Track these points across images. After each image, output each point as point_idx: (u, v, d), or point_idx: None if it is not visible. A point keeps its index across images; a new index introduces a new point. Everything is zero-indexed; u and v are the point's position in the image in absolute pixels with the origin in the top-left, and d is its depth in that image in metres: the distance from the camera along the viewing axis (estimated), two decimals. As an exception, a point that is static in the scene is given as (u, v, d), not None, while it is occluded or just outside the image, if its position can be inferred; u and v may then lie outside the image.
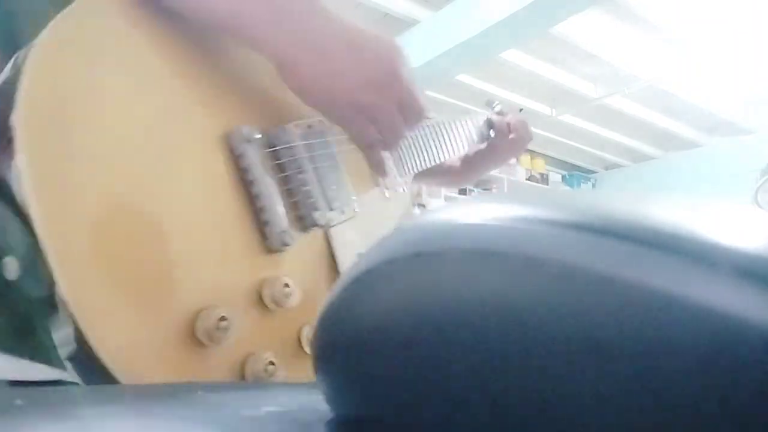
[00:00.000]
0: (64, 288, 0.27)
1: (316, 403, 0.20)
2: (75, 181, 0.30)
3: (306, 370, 0.37)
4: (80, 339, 0.28)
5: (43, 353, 0.30)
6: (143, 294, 0.31)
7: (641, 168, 5.18)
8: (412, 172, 0.57)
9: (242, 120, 0.39)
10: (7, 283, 0.29)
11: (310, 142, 0.43)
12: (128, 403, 0.19)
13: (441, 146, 0.63)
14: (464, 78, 3.72)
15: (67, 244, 0.28)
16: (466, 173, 0.79)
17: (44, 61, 0.30)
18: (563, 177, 5.28)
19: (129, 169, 0.32)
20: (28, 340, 0.30)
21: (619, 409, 0.11)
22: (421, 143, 0.59)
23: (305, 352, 0.38)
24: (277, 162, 0.40)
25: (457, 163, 0.79)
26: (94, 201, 0.30)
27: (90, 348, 0.28)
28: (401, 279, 0.15)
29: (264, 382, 0.35)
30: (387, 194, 0.52)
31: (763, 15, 3.03)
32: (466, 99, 4.07)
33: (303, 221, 0.41)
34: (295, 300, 0.37)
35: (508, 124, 0.77)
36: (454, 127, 0.67)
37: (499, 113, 0.80)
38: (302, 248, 0.41)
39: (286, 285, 0.37)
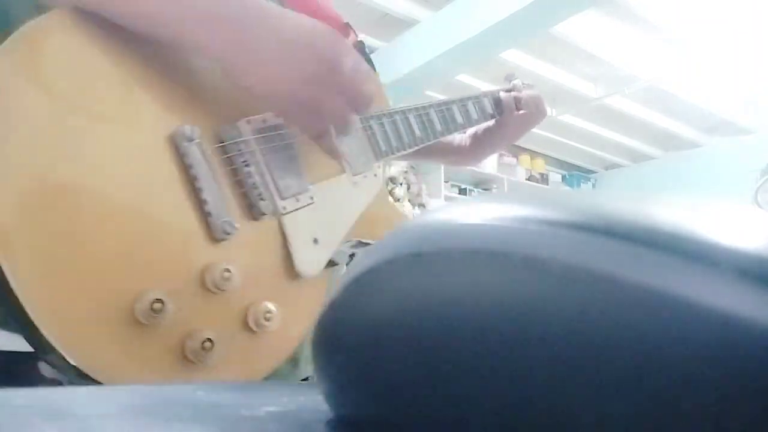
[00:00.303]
0: (6, 268, 0.32)
1: (316, 403, 0.20)
2: (17, 173, 0.33)
3: (252, 348, 0.42)
4: (21, 312, 0.32)
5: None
6: (87, 279, 0.35)
7: (641, 168, 5.18)
8: (389, 155, 0.57)
9: (192, 120, 0.42)
10: None
11: (265, 135, 0.46)
12: (128, 403, 0.19)
13: (426, 130, 0.63)
14: (464, 78, 3.72)
15: (17, 238, 0.32)
16: (475, 151, 0.78)
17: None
18: (563, 177, 5.28)
19: (79, 164, 0.36)
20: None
21: (619, 409, 0.11)
22: (405, 126, 0.60)
23: (251, 330, 0.42)
24: (225, 156, 0.43)
25: (467, 141, 0.79)
26: (38, 190, 0.34)
27: (29, 317, 0.32)
28: (401, 279, 0.15)
29: (206, 360, 0.38)
30: (354, 180, 0.53)
31: (763, 15, 3.03)
32: (466, 99, 4.07)
33: (251, 210, 0.44)
34: (235, 284, 0.41)
35: (517, 100, 0.76)
36: (450, 107, 0.68)
37: (511, 89, 0.78)
38: (252, 235, 0.44)
39: (227, 270, 0.40)
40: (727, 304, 0.10)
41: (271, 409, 0.19)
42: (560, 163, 5.31)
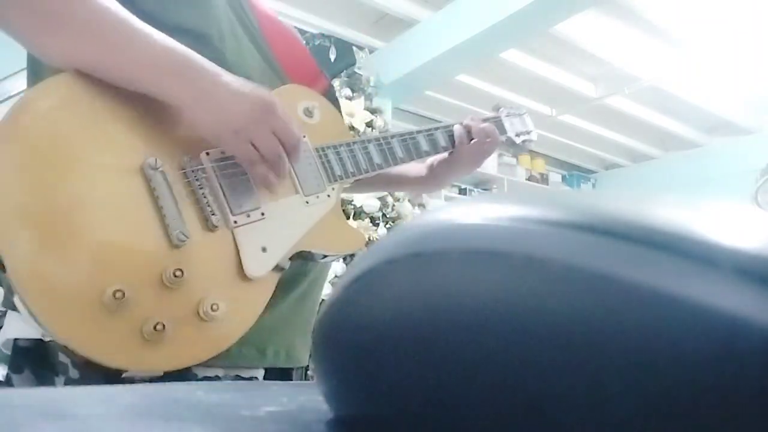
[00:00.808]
0: (7, 264, 0.44)
1: (316, 403, 0.20)
2: (22, 198, 0.47)
3: (201, 333, 0.53)
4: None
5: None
6: (69, 275, 0.46)
7: (641, 168, 5.18)
8: (344, 178, 0.68)
9: (159, 153, 0.54)
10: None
11: (221, 164, 0.58)
12: (128, 403, 0.19)
13: (386, 156, 0.74)
14: (464, 78, 3.72)
15: (12, 245, 0.45)
16: (430, 181, 0.87)
17: (14, 120, 0.48)
18: (563, 177, 5.28)
19: (68, 187, 0.48)
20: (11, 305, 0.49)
21: (619, 408, 0.11)
22: (362, 154, 0.71)
23: (202, 319, 0.52)
24: (185, 180, 0.55)
25: (423, 172, 0.87)
26: (37, 209, 0.47)
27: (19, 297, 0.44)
28: (401, 279, 0.15)
29: (159, 340, 0.49)
30: (306, 199, 0.64)
31: (763, 15, 3.03)
32: (466, 99, 4.07)
33: (206, 223, 0.55)
34: (189, 281, 0.52)
35: (469, 132, 0.83)
36: (406, 138, 0.78)
37: (468, 122, 0.86)
38: (211, 242, 0.55)
39: (179, 270, 0.51)
40: (727, 304, 0.10)
41: (271, 409, 0.19)
42: (560, 163, 5.31)
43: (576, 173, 5.30)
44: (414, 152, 0.78)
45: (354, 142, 0.71)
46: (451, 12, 3.10)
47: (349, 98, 2.76)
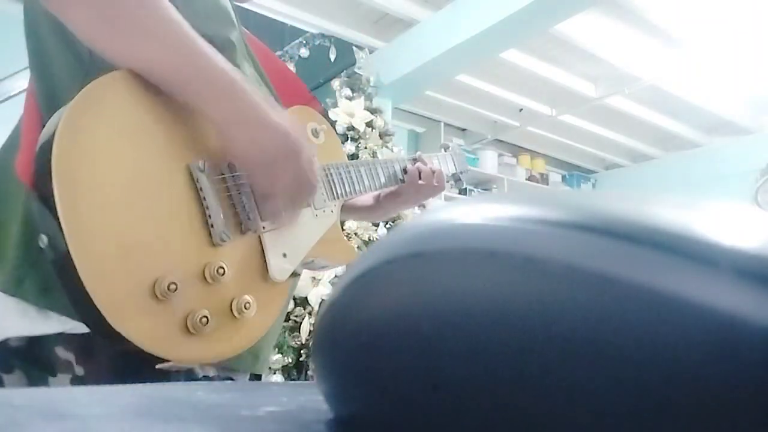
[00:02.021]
0: (75, 256, 0.45)
1: (316, 403, 0.20)
2: (88, 200, 0.48)
3: (234, 328, 0.55)
4: (75, 283, 0.45)
5: (61, 307, 0.51)
6: (125, 264, 0.49)
7: (641, 168, 5.18)
8: (344, 197, 0.74)
9: (204, 157, 0.57)
10: (40, 250, 0.47)
11: None
12: (128, 403, 0.19)
13: (373, 179, 0.82)
14: (464, 78, 3.72)
15: (82, 232, 0.46)
16: (375, 211, 0.93)
17: (67, 134, 0.48)
18: (563, 177, 5.29)
19: (124, 191, 0.50)
20: (50, 295, 0.51)
21: (619, 408, 0.11)
22: (357, 176, 0.78)
23: (234, 316, 0.55)
24: (224, 185, 0.58)
25: (370, 202, 0.93)
26: (98, 206, 0.48)
27: (89, 297, 0.45)
28: (401, 278, 0.15)
29: (202, 332, 0.51)
30: (315, 213, 0.70)
31: (763, 16, 3.03)
32: (466, 99, 4.07)
33: (239, 226, 0.59)
34: (227, 279, 0.55)
35: (419, 172, 0.90)
36: (388, 165, 0.86)
37: (418, 159, 0.93)
38: (241, 244, 0.59)
39: (221, 267, 0.54)
40: (727, 304, 0.10)
41: (271, 409, 0.19)
42: (560, 163, 5.31)
43: (576, 173, 5.31)
44: (393, 179, 0.87)
45: (350, 165, 0.78)
46: (451, 12, 3.10)
47: (349, 98, 2.75)
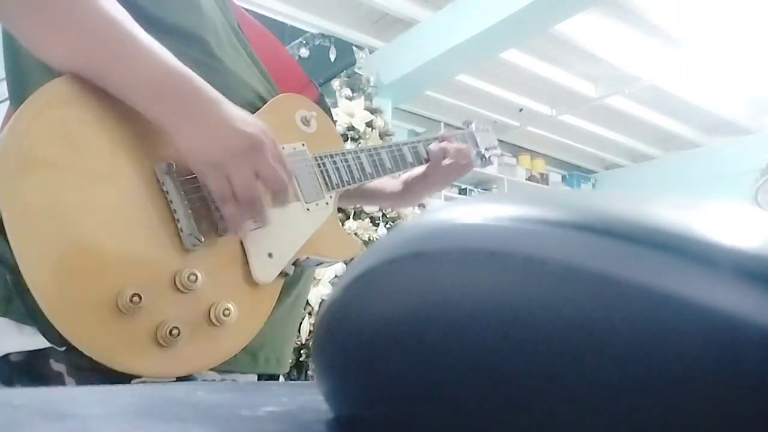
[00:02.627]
0: (24, 271, 0.43)
1: (316, 403, 0.20)
2: (39, 209, 0.45)
3: (213, 338, 0.52)
4: (28, 299, 0.43)
5: (25, 316, 0.47)
6: (83, 276, 0.46)
7: (641, 168, 5.18)
8: (340, 186, 0.69)
9: (168, 157, 0.54)
10: None
11: None
12: (128, 403, 0.19)
13: (376, 166, 0.75)
14: (464, 78, 3.72)
15: (31, 244, 0.44)
16: (405, 196, 0.89)
17: (11, 143, 0.46)
18: (563, 177, 5.29)
19: (80, 199, 0.47)
20: (35, 315, 0.46)
21: (619, 408, 0.11)
22: (356, 163, 0.72)
23: (213, 324, 0.52)
24: (195, 185, 0.55)
25: (399, 188, 0.88)
26: (49, 217, 0.45)
27: (33, 301, 0.43)
28: (401, 279, 0.15)
29: (173, 344, 0.48)
30: (307, 206, 0.65)
31: (763, 15, 3.03)
32: (466, 99, 4.07)
33: (216, 228, 0.55)
34: (202, 285, 0.51)
35: (444, 150, 0.85)
36: (393, 150, 0.80)
37: (441, 138, 0.88)
38: (218, 247, 0.55)
39: (193, 274, 0.51)
40: (727, 304, 0.10)
41: (271, 409, 0.19)
42: (560, 163, 5.31)
43: (576, 173, 5.31)
44: (401, 163, 0.80)
45: (347, 152, 0.72)
46: (451, 12, 3.10)
47: (349, 98, 2.76)
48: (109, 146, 0.51)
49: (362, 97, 2.78)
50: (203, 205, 0.55)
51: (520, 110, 4.33)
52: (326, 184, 0.68)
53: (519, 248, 0.12)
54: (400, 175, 0.86)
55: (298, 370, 2.08)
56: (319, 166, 0.68)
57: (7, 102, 0.61)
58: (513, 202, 0.14)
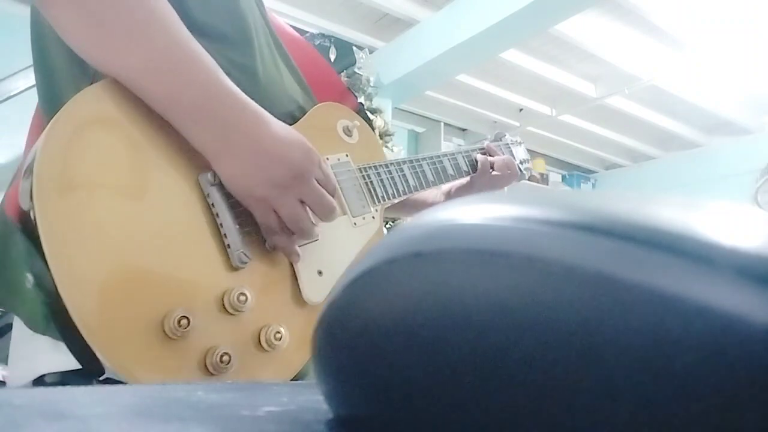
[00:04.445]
0: (64, 295, 0.39)
1: (316, 403, 0.20)
2: (84, 221, 0.42)
3: (264, 364, 0.48)
4: (70, 330, 0.40)
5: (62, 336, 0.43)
6: (126, 299, 0.42)
7: (641, 168, 5.18)
8: (386, 200, 0.66)
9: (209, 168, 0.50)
10: (26, 290, 0.43)
11: None
12: (128, 403, 0.19)
13: (419, 178, 0.72)
14: (464, 78, 3.72)
15: (72, 267, 0.40)
16: None
17: (48, 157, 0.42)
18: (563, 177, 5.28)
19: (122, 215, 0.44)
20: (49, 329, 0.44)
21: (619, 409, 0.11)
22: (399, 175, 0.69)
23: (263, 349, 0.48)
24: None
25: (441, 198, 0.87)
26: (90, 236, 0.42)
27: (75, 329, 0.39)
28: (401, 279, 0.15)
29: (224, 372, 0.44)
30: (354, 221, 0.61)
31: (763, 15, 3.03)
32: (466, 99, 4.07)
33: (264, 244, 0.51)
34: (250, 307, 0.47)
35: (492, 163, 0.85)
36: (434, 162, 0.77)
37: (486, 149, 0.87)
38: (267, 265, 0.51)
39: (243, 294, 0.47)
40: (727, 304, 0.10)
41: (271, 409, 0.19)
42: (560, 163, 5.31)
43: (576, 173, 5.30)
44: (442, 176, 0.77)
45: (391, 163, 0.69)
46: (451, 12, 3.10)
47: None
48: (150, 159, 0.47)
49: (362, 97, 2.78)
50: (251, 218, 0.51)
51: (520, 110, 4.33)
52: (372, 197, 0.65)
53: (519, 248, 0.12)
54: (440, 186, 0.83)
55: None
56: (364, 178, 0.65)
57: (8, 101, 0.59)
58: (513, 202, 0.14)
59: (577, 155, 5.19)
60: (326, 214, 0.53)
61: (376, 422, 0.16)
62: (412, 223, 0.16)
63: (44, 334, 0.46)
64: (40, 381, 0.47)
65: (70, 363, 0.44)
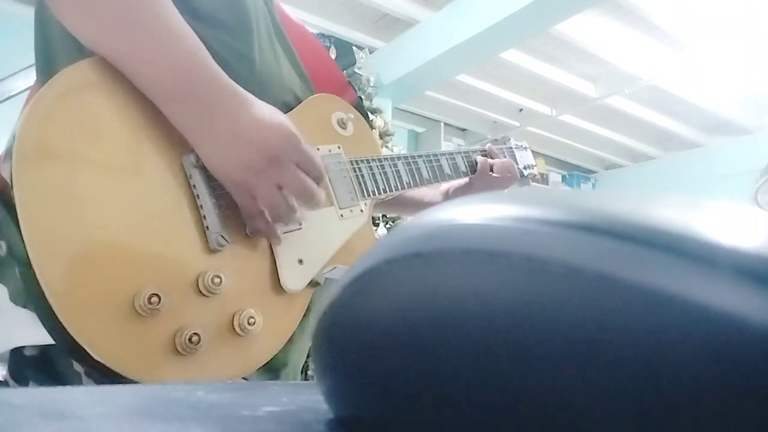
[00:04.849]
0: (35, 263, 0.39)
1: (316, 403, 0.20)
2: (58, 200, 0.42)
3: (235, 348, 0.48)
4: (42, 300, 0.40)
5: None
6: (98, 272, 0.42)
7: (641, 168, 5.19)
8: (376, 195, 0.65)
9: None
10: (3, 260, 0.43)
11: None
12: (128, 403, 0.19)
13: (413, 175, 0.71)
14: (464, 78, 3.72)
15: (44, 236, 0.40)
16: None
17: (30, 130, 0.42)
18: (563, 177, 5.29)
19: (99, 190, 0.44)
20: (30, 302, 0.43)
21: (619, 409, 0.11)
22: (393, 171, 0.68)
23: (236, 333, 0.48)
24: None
25: (439, 199, 0.86)
26: (65, 208, 0.42)
27: (47, 302, 0.40)
28: (401, 279, 0.15)
29: (192, 353, 0.44)
30: (341, 213, 0.61)
31: (763, 15, 3.03)
32: (466, 99, 4.07)
33: (243, 227, 0.51)
34: (224, 290, 0.47)
35: (491, 165, 0.84)
36: (431, 159, 0.76)
37: (487, 151, 0.87)
38: (246, 249, 0.51)
39: (217, 277, 0.47)
40: (727, 304, 0.10)
41: (271, 409, 0.19)
42: (560, 163, 5.31)
43: (576, 173, 5.31)
44: (438, 174, 0.76)
45: (384, 158, 0.68)
46: (451, 12, 3.10)
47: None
48: (133, 135, 0.47)
49: (362, 97, 2.78)
50: (232, 202, 0.51)
51: (520, 110, 4.33)
52: (362, 190, 0.64)
53: (519, 248, 0.12)
54: (438, 186, 0.83)
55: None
56: (355, 171, 0.64)
57: (8, 101, 0.60)
58: (513, 202, 0.14)
59: (577, 155, 5.20)
60: (307, 199, 0.52)
61: (376, 422, 0.16)
62: (411, 223, 0.16)
63: (24, 307, 0.46)
64: (18, 355, 0.47)
65: (48, 337, 0.44)
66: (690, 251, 0.10)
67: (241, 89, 0.50)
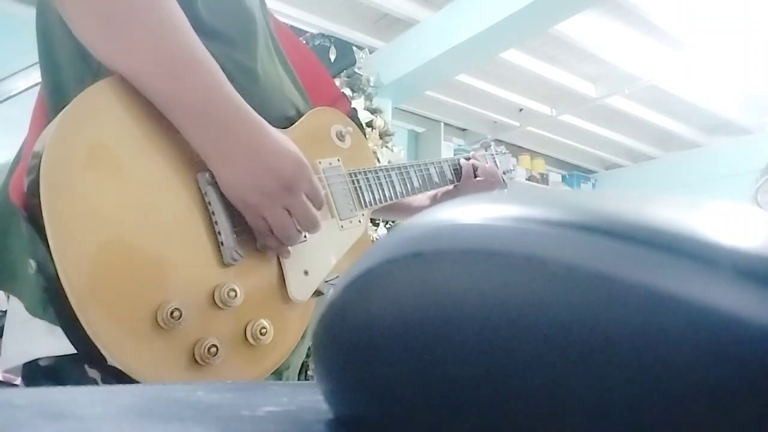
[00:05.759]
0: (63, 277, 0.41)
1: (316, 403, 0.20)
2: (83, 217, 0.44)
3: (248, 357, 0.51)
4: (69, 312, 0.41)
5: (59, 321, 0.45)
6: (123, 289, 0.44)
7: (641, 168, 5.18)
8: (373, 205, 0.69)
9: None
10: (28, 276, 0.45)
11: None
12: (128, 403, 0.19)
13: (405, 185, 0.75)
14: (464, 78, 3.72)
15: (72, 254, 0.42)
16: None
17: (56, 149, 0.44)
18: (563, 177, 5.28)
19: (122, 209, 0.46)
20: (47, 314, 0.46)
21: (618, 409, 0.11)
22: (387, 181, 0.72)
23: (249, 343, 0.51)
24: None
25: (426, 202, 0.91)
26: (92, 226, 0.44)
27: (74, 315, 0.41)
28: (401, 279, 0.15)
29: (211, 363, 0.47)
30: (341, 224, 0.64)
31: (763, 15, 3.03)
32: (466, 99, 4.07)
33: (254, 242, 0.54)
34: (239, 302, 0.50)
35: (475, 168, 0.89)
36: (422, 168, 0.81)
37: (470, 158, 0.92)
38: (256, 263, 0.54)
39: (233, 290, 0.49)
40: (727, 304, 0.10)
41: (271, 409, 0.19)
42: (560, 163, 5.31)
43: (576, 173, 5.30)
44: (428, 183, 0.81)
45: (379, 169, 0.71)
46: (451, 12, 3.10)
47: (349, 98, 2.76)
48: (152, 155, 0.49)
49: (362, 97, 2.78)
50: (244, 219, 0.53)
51: (520, 110, 4.32)
52: (360, 201, 0.67)
53: (519, 248, 0.12)
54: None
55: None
56: (353, 183, 0.67)
57: (8, 101, 0.60)
58: (513, 202, 0.14)
59: (577, 155, 5.19)
60: (309, 227, 0.56)
61: (376, 422, 0.16)
62: (411, 223, 0.16)
63: (42, 318, 0.48)
64: (32, 365, 0.49)
65: (64, 347, 0.45)
66: (690, 251, 0.10)
67: (256, 114, 0.52)
